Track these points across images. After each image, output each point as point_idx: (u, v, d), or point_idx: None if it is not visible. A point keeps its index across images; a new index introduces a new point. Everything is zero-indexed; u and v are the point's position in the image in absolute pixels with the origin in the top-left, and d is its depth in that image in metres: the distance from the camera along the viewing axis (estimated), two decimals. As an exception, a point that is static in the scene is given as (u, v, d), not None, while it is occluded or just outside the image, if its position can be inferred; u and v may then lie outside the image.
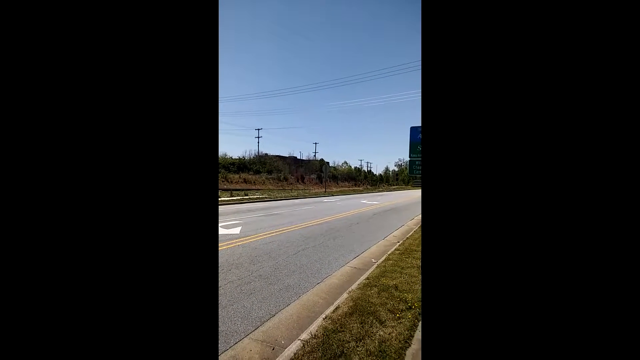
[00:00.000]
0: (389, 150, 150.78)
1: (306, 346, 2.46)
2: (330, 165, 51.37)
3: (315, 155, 57.66)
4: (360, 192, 35.09)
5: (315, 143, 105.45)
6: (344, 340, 2.53)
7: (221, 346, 2.57)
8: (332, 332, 2.65)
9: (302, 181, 41.89)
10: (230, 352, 2.49)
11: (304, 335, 2.66)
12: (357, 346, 2.45)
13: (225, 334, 2.76)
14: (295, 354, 2.36)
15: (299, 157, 52.93)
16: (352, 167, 64.95)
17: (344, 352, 2.37)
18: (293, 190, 31.48)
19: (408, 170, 8.44)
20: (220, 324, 2.93)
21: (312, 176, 44.89)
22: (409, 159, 7.74)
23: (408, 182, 65.09)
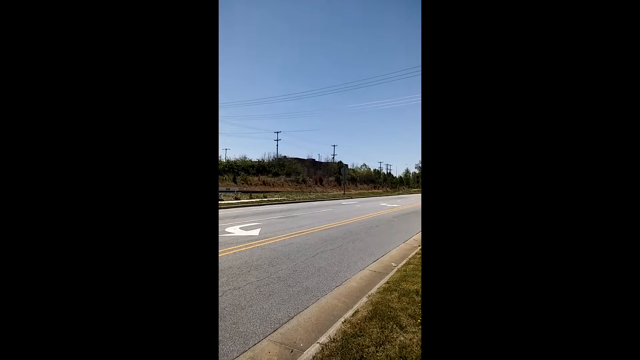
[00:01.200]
0: (410, 152, 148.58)
1: (325, 350, 2.43)
2: (349, 167, 51.18)
3: (333, 158, 57.63)
4: (380, 194, 34.72)
5: (334, 145, 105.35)
6: (363, 345, 2.48)
7: (240, 347, 2.58)
8: (352, 337, 2.61)
9: (321, 183, 41.94)
10: (249, 353, 2.50)
11: (323, 339, 2.63)
12: (377, 351, 2.39)
13: (244, 334, 2.77)
14: (314, 358, 2.33)
15: (317, 160, 53.07)
16: (372, 169, 64.47)
17: (363, 356, 2.32)
18: (311, 193, 31.56)
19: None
20: (239, 325, 2.95)
21: (331, 178, 44.87)
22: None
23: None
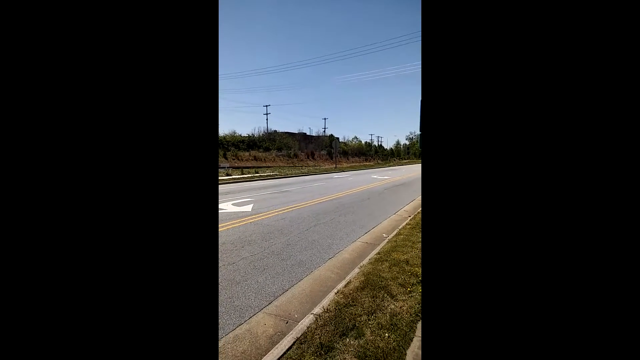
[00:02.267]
0: (400, 124, 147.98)
1: (319, 320, 2.52)
2: (341, 140, 50.92)
3: (324, 131, 57.13)
4: (371, 167, 34.90)
5: (325, 118, 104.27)
6: (355, 314, 2.57)
7: (236, 320, 2.65)
8: (344, 306, 2.70)
9: (312, 157, 41.82)
10: (245, 326, 2.58)
11: (317, 310, 2.72)
12: (369, 320, 2.49)
13: (240, 308, 2.85)
14: (308, 328, 2.42)
15: (308, 134, 52.57)
16: (363, 142, 64.30)
17: (355, 325, 2.41)
18: (303, 167, 31.51)
19: (419, 143, 8.28)
20: (235, 299, 3.02)
21: (322, 152, 44.72)
22: (419, 132, 7.56)
23: (419, 156, 64.26)
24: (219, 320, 2.64)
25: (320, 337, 2.28)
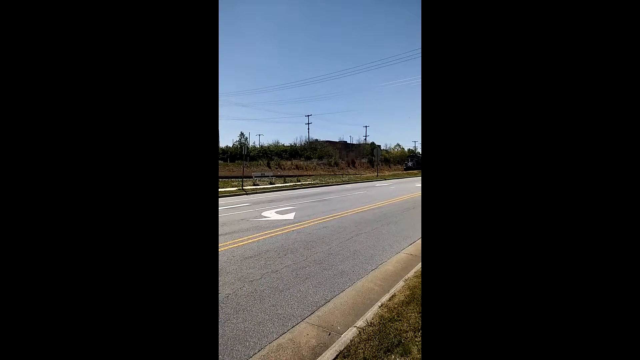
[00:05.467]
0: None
1: (362, 333, 2.45)
2: (382, 148, 50.11)
3: (365, 139, 56.64)
4: (415, 175, 33.81)
5: (366, 126, 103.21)
6: (401, 330, 2.46)
7: (279, 329, 2.67)
8: (389, 321, 2.60)
9: (353, 165, 41.63)
10: (288, 335, 2.59)
11: (360, 323, 2.65)
12: (415, 336, 2.37)
13: (283, 317, 2.87)
14: (351, 341, 2.36)
15: (349, 142, 52.50)
16: (406, 149, 62.60)
17: (401, 341, 2.31)
18: (344, 175, 31.46)
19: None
20: (278, 307, 3.05)
21: (363, 160, 44.33)
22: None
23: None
24: (264, 328, 2.68)
25: (364, 352, 2.21)
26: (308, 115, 51.83)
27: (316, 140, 46.16)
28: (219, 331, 2.61)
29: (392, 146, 60.72)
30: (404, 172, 39.90)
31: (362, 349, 2.25)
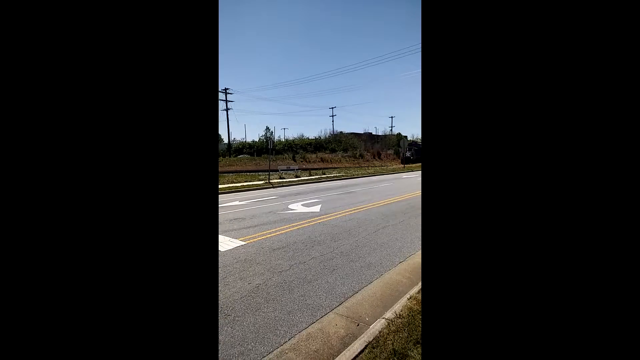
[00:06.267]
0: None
1: (391, 325, 2.44)
2: (409, 138, 48.95)
3: (391, 130, 55.54)
4: (442, 166, 32.71)
5: (391, 117, 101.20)
6: (431, 323, 2.43)
7: (309, 318, 2.73)
8: (418, 313, 2.58)
9: (379, 157, 41.03)
10: (317, 325, 2.63)
11: (388, 314, 2.64)
12: (446, 330, 2.33)
13: (312, 307, 2.92)
14: (380, 332, 2.37)
15: (374, 133, 51.72)
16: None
17: (431, 334, 2.28)
18: (369, 167, 31.12)
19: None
20: (307, 297, 3.11)
21: (389, 151, 43.54)
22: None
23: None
24: (293, 317, 2.74)
25: (393, 344, 2.21)
26: (332, 108, 51.71)
27: (341, 132, 45.85)
28: (251, 319, 2.71)
29: (420, 136, 59.10)
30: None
31: (391, 340, 2.26)
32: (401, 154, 35.58)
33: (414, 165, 33.83)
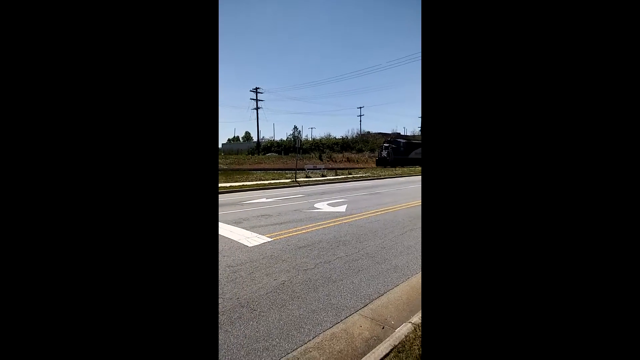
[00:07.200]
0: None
1: (417, 330, 2.38)
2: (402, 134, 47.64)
3: (420, 130, 54.21)
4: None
5: (420, 117, 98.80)
6: (460, 330, 2.34)
7: (333, 318, 2.72)
8: (446, 320, 2.49)
9: (407, 158, 40.13)
10: (341, 325, 2.62)
11: (415, 319, 2.58)
12: (476, 339, 2.23)
13: (337, 307, 2.91)
14: (406, 337, 2.31)
15: (402, 133, 50.79)
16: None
17: (460, 343, 2.20)
18: (397, 168, 30.58)
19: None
20: (331, 297, 3.10)
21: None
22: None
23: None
24: (318, 316, 2.75)
25: (419, 349, 2.15)
26: (360, 107, 51.32)
27: (368, 132, 45.50)
28: (276, 315, 2.74)
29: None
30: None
31: (418, 345, 2.20)
32: (377, 154, 33.98)
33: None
